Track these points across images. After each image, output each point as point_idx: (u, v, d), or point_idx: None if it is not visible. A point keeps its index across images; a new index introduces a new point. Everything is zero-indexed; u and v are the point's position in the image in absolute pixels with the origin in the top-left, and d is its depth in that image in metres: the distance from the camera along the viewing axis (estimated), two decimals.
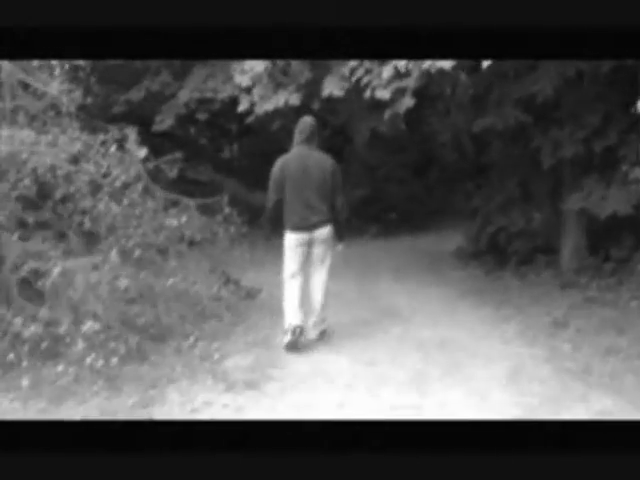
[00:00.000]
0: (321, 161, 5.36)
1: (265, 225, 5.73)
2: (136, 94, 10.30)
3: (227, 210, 6.77)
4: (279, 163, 5.39)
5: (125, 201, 5.67)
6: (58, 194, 5.43)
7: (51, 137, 5.65)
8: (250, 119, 6.66)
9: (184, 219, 5.71)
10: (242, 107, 6.49)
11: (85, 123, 6.16)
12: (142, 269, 5.47)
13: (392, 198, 13.72)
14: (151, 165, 6.15)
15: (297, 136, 5.44)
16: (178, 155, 6.61)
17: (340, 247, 5.67)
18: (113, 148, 5.55)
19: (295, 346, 5.23)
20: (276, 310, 6.52)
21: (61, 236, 5.43)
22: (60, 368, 4.58)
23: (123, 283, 4.88)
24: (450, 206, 13.09)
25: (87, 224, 5.49)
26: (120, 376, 4.59)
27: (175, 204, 6.42)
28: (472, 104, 9.02)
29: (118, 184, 5.54)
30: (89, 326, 4.57)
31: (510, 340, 5.56)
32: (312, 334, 5.51)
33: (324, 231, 5.34)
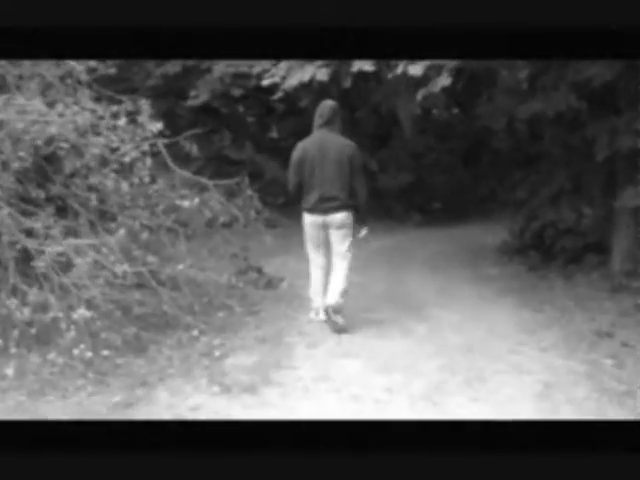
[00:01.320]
0: (340, 145, 5.27)
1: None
2: (172, 67, 9.93)
3: (249, 192, 6.33)
4: (299, 146, 5.39)
5: (135, 179, 5.26)
6: (60, 168, 5.06)
7: (61, 107, 5.29)
8: (278, 95, 6.20)
9: (196, 200, 5.28)
10: (266, 82, 6.03)
11: (101, 94, 5.78)
12: (149, 253, 5.08)
13: (437, 186, 13.12)
14: (167, 141, 5.71)
15: (317, 119, 5.39)
16: (198, 131, 6.18)
17: (364, 233, 5.60)
18: (122, 121, 5.14)
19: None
20: (295, 300, 6.14)
21: (64, 214, 5.07)
22: (48, 357, 4.25)
23: (122, 268, 4.48)
24: (498, 197, 12.41)
25: (93, 202, 5.11)
26: (111, 370, 4.23)
27: (194, 184, 6.02)
28: (523, 87, 8.40)
29: (127, 160, 5.14)
30: (80, 313, 4.20)
31: (547, 349, 5.00)
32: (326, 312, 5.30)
33: (339, 216, 5.26)
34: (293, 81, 5.72)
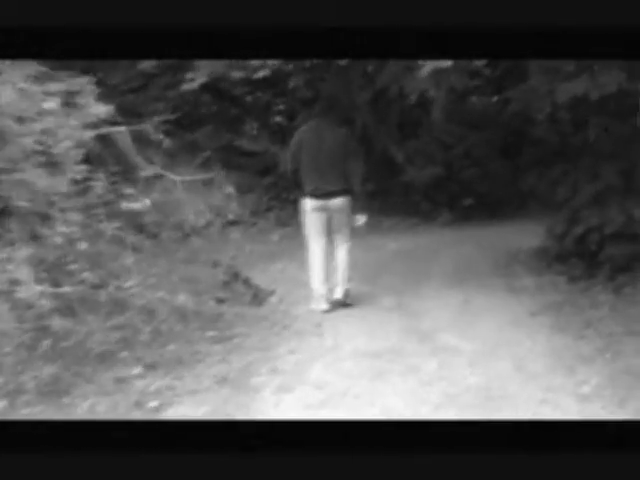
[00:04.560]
0: (335, 132, 5.59)
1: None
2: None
3: (230, 190, 5.28)
4: (297, 134, 5.73)
5: (78, 175, 4.26)
6: None
7: None
8: (262, 73, 5.19)
9: (147, 202, 4.24)
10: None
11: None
12: (89, 268, 4.08)
13: (470, 181, 11.88)
14: (124, 129, 4.70)
15: (315, 109, 5.99)
16: (171, 117, 5.17)
17: (362, 220, 5.76)
18: (53, 103, 4.13)
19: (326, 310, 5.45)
20: (282, 320, 5.13)
21: None
22: None
23: (35, 290, 3.48)
24: (537, 194, 11.12)
25: (22, 203, 4.12)
26: None
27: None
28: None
29: (59, 151, 4.13)
30: None
31: (588, 397, 3.87)
32: (338, 293, 5.60)
33: (339, 201, 5.51)
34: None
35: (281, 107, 15.39)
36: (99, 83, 10.67)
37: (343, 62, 4.99)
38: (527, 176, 12.21)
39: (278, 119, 15.07)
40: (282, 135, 12.87)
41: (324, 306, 5.45)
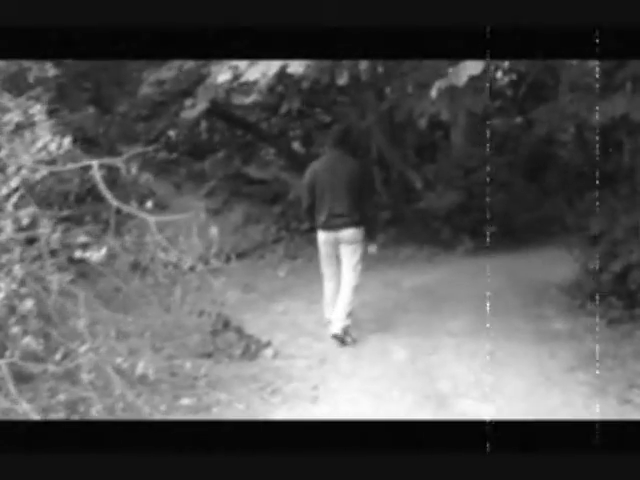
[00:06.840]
0: (348, 165, 5.57)
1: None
2: (166, 73, 8.29)
3: (213, 230, 4.58)
4: (310, 168, 5.69)
5: (25, 220, 3.61)
6: None
7: None
8: (251, 98, 4.51)
9: (104, 251, 3.56)
10: (222, 78, 4.33)
11: None
12: (34, 332, 3.41)
13: (493, 206, 11.10)
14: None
15: (328, 141, 5.79)
16: (143, 150, 4.51)
17: (373, 249, 5.87)
18: None
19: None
20: (273, 382, 4.41)
21: None
22: None
23: None
24: (566, 221, 10.32)
25: None
26: None
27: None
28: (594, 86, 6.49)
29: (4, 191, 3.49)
30: None
31: None
32: (335, 328, 5.43)
33: (349, 232, 5.53)
34: (253, 74, 4.00)
35: (297, 132, 14.84)
36: (106, 111, 10.29)
37: (345, 81, 4.28)
38: (554, 201, 11.53)
39: (295, 145, 14.51)
40: (297, 162, 12.23)
41: (332, 329, 5.50)
